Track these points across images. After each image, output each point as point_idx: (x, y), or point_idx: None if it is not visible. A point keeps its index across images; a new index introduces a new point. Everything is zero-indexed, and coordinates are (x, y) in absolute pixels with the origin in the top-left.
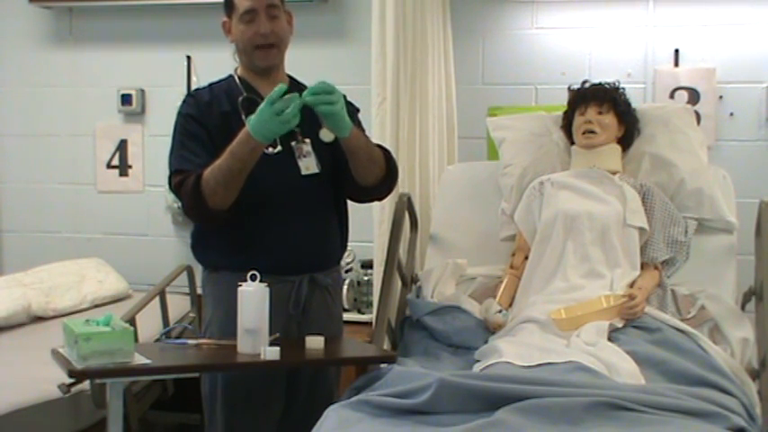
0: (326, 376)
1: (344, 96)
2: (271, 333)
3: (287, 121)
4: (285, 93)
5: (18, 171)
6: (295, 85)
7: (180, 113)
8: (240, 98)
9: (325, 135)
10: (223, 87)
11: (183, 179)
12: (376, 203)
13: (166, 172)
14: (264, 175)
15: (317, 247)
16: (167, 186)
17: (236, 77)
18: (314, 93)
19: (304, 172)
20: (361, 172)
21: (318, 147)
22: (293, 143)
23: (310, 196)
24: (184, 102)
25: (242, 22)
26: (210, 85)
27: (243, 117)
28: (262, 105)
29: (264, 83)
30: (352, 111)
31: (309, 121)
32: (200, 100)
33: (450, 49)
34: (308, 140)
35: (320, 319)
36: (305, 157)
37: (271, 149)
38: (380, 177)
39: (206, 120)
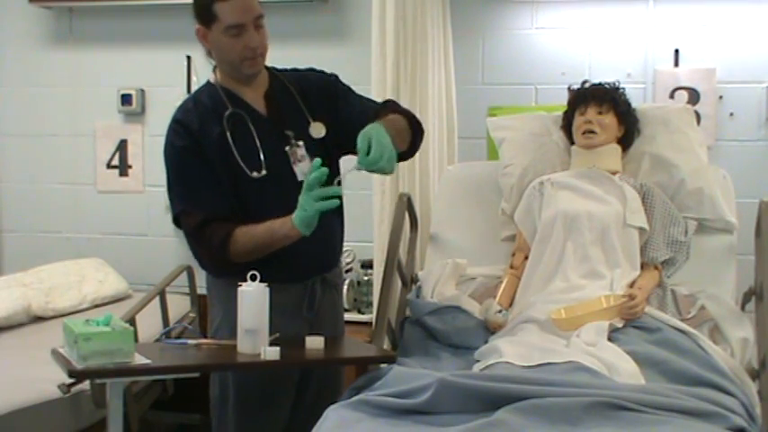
0: (335, 376)
1: (321, 72)
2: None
3: (327, 207)
4: (319, 159)
5: (18, 171)
6: (275, 78)
7: (172, 145)
8: (226, 114)
9: (315, 131)
10: (208, 105)
11: (201, 223)
12: (376, 203)
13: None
14: (269, 184)
15: (324, 249)
16: (171, 214)
17: (218, 87)
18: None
19: (301, 177)
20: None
21: (310, 144)
22: (287, 148)
23: None
24: (174, 131)
25: (227, 35)
26: (194, 101)
27: (228, 135)
28: (303, 196)
29: (248, 88)
30: (334, 81)
31: (298, 117)
32: (191, 128)
33: (450, 49)
34: (301, 143)
35: (330, 319)
36: (299, 161)
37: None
38: (407, 145)
39: (201, 149)
